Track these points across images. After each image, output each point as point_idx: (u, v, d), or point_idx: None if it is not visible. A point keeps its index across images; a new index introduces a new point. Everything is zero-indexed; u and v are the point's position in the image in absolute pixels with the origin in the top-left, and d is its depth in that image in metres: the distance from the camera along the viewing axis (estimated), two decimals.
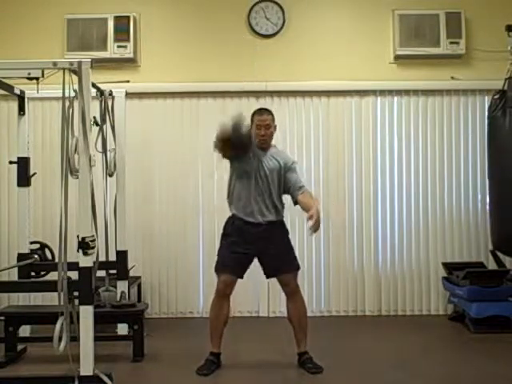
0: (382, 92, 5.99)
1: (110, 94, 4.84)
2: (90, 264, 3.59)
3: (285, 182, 4.21)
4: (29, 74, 3.66)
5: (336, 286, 5.95)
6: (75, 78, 3.56)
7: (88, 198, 3.56)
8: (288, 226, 4.37)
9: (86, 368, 3.55)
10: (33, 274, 4.88)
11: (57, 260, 3.69)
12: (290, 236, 4.34)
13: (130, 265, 5.09)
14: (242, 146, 3.99)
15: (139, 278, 5.76)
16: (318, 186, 5.95)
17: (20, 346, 4.54)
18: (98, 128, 4.62)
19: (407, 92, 5.99)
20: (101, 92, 4.72)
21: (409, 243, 5.98)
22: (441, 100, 6.00)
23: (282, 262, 4.18)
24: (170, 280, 5.95)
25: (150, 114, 5.97)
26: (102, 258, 4.33)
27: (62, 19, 5.79)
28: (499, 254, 5.45)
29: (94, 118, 4.32)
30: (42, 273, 4.95)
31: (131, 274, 5.25)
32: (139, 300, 5.62)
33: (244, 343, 4.84)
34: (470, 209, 5.98)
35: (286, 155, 4.43)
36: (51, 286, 3.67)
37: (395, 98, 6.01)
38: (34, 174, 4.93)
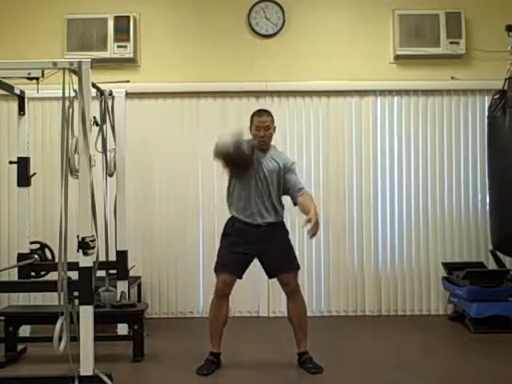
0: (382, 92, 5.99)
1: (110, 93, 4.84)
2: (90, 264, 3.59)
3: (284, 183, 4.21)
4: (29, 73, 3.66)
5: (336, 285, 5.95)
6: (75, 78, 3.56)
7: (88, 198, 3.56)
8: (288, 227, 4.37)
9: (86, 368, 3.55)
10: (33, 274, 4.88)
11: (57, 260, 3.69)
12: (290, 236, 4.34)
13: (129, 265, 5.09)
14: (243, 164, 4.02)
15: (139, 278, 5.76)
16: (318, 186, 5.95)
17: (20, 346, 4.54)
18: (98, 128, 4.62)
19: (407, 92, 5.99)
20: (101, 92, 4.72)
21: (409, 243, 5.98)
22: (441, 100, 6.00)
23: (282, 262, 4.19)
24: (170, 280, 5.95)
25: (150, 114, 5.97)
26: (102, 258, 4.33)
27: (62, 19, 5.79)
28: (499, 253, 5.45)
29: (94, 117, 4.32)
30: (42, 273, 4.95)
31: (131, 274, 5.25)
32: (139, 300, 5.62)
33: (244, 343, 4.84)
34: (470, 209, 5.98)
35: (285, 156, 4.43)
36: (51, 286, 3.67)
37: (395, 98, 6.01)
38: (34, 174, 4.93)
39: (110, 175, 4.92)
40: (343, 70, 5.90)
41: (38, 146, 5.71)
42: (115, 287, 4.82)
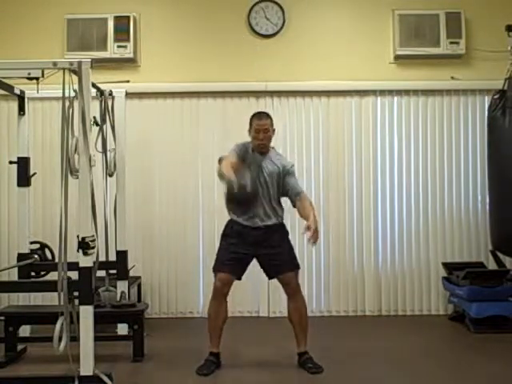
0: (382, 92, 5.99)
1: (110, 93, 4.84)
2: (90, 264, 3.59)
3: (283, 186, 4.22)
4: (29, 74, 3.66)
5: (336, 285, 5.95)
6: (75, 78, 3.56)
7: (88, 198, 3.56)
8: (288, 227, 4.36)
9: (86, 368, 3.55)
10: (33, 274, 4.88)
11: (57, 260, 3.69)
12: (291, 236, 4.35)
13: (129, 265, 5.09)
14: (246, 204, 4.03)
15: (139, 278, 5.76)
16: (318, 186, 5.95)
17: (20, 346, 4.54)
18: (98, 128, 4.62)
19: (407, 92, 5.99)
20: (101, 92, 4.72)
21: (409, 243, 5.98)
22: (441, 100, 6.01)
23: (282, 262, 4.19)
24: (170, 280, 5.95)
25: (149, 114, 5.97)
26: (102, 258, 4.33)
27: (62, 19, 5.79)
28: (499, 253, 5.45)
29: (94, 117, 4.31)
30: (42, 273, 4.95)
31: (131, 274, 5.25)
32: (139, 300, 5.62)
33: (244, 343, 4.84)
34: (470, 209, 5.98)
35: (284, 159, 4.43)
36: (51, 286, 3.67)
37: (395, 98, 6.01)
38: (34, 174, 4.93)
39: (110, 175, 4.92)
40: (343, 70, 5.90)
41: (37, 146, 5.71)
42: (115, 287, 4.82)
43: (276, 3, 5.92)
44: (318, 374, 4.09)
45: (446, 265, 5.74)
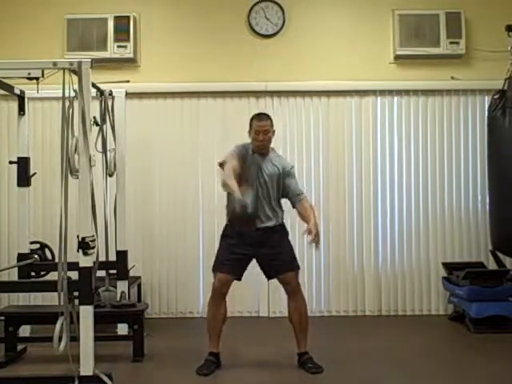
0: (382, 92, 5.99)
1: (110, 94, 4.84)
2: (90, 264, 3.59)
3: (283, 188, 4.22)
4: (29, 74, 3.66)
5: (336, 285, 5.95)
6: (75, 78, 3.56)
7: (88, 198, 3.56)
8: (288, 228, 4.36)
9: (86, 368, 3.55)
10: (33, 274, 4.89)
11: (57, 260, 3.69)
12: (291, 237, 4.35)
13: (129, 265, 5.09)
14: (246, 224, 4.06)
15: (139, 278, 5.76)
16: (318, 186, 5.95)
17: (20, 346, 4.54)
18: (98, 128, 4.62)
19: (407, 92, 5.99)
20: (101, 92, 4.72)
21: (409, 243, 5.98)
22: (441, 100, 6.01)
23: (282, 262, 4.19)
24: (170, 280, 5.95)
25: (149, 114, 5.97)
26: (102, 258, 4.33)
27: (62, 19, 5.79)
28: (499, 253, 5.45)
29: (94, 117, 4.31)
30: (42, 273, 4.95)
31: (131, 274, 5.25)
32: (139, 300, 5.62)
33: (244, 343, 4.84)
34: (470, 209, 5.98)
35: (284, 160, 4.43)
36: (51, 286, 3.67)
37: (395, 98, 6.01)
38: (34, 174, 4.93)
39: (110, 175, 4.92)
40: (343, 70, 5.90)
41: (37, 146, 5.71)
42: (115, 287, 4.82)
43: (276, 3, 5.92)
44: (318, 374, 4.09)
45: (445, 265, 5.74)
